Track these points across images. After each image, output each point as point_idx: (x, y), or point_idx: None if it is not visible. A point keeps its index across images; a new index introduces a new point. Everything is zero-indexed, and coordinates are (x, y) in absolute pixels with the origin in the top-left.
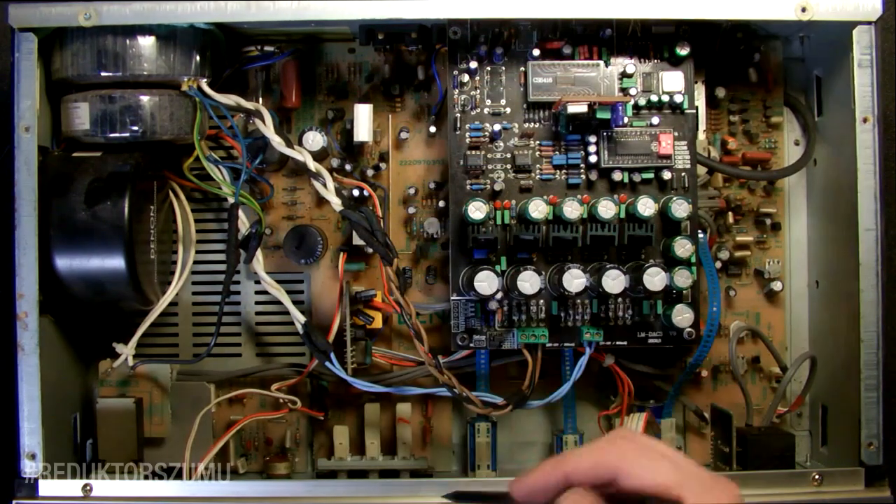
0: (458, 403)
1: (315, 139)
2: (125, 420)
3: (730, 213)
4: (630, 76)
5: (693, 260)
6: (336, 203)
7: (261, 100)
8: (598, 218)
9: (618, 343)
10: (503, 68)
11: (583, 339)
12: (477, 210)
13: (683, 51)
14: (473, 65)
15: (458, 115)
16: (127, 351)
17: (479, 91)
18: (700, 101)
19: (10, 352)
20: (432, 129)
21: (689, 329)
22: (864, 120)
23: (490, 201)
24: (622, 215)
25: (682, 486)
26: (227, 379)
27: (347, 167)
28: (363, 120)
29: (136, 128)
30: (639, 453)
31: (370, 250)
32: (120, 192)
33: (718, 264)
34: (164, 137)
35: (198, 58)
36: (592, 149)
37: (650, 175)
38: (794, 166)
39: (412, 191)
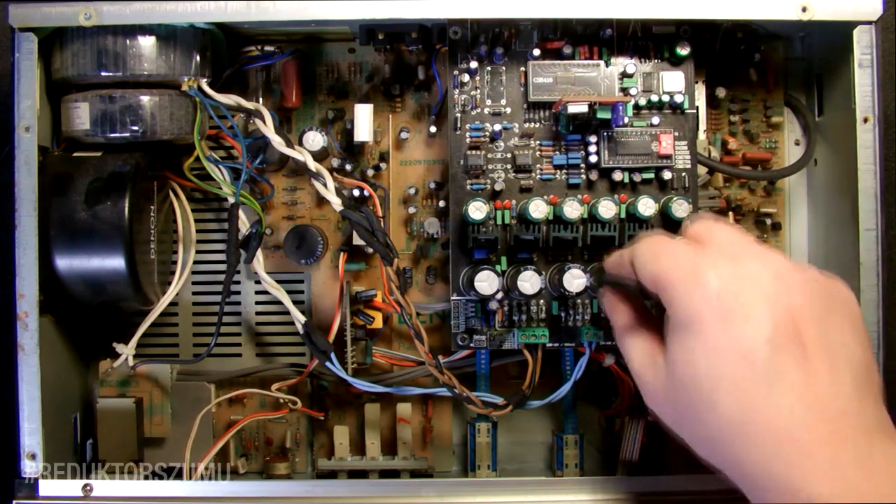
0: (459, 403)
1: (315, 139)
2: (125, 420)
3: (730, 213)
4: (630, 76)
5: None
6: (336, 203)
7: (261, 100)
8: (599, 218)
9: None
10: (503, 68)
11: (583, 339)
12: (477, 210)
13: (684, 51)
14: (474, 65)
15: (459, 115)
16: (127, 351)
17: (479, 91)
18: (700, 101)
19: (10, 352)
20: (432, 129)
21: None
22: (865, 120)
23: (490, 201)
24: (622, 215)
25: (671, 281)
26: (227, 379)
27: (347, 167)
28: (363, 120)
29: (136, 128)
30: (650, 242)
31: (370, 250)
32: (120, 192)
33: None
34: (164, 137)
35: (198, 58)
36: (593, 149)
37: (650, 175)
38: (795, 166)
39: (412, 191)
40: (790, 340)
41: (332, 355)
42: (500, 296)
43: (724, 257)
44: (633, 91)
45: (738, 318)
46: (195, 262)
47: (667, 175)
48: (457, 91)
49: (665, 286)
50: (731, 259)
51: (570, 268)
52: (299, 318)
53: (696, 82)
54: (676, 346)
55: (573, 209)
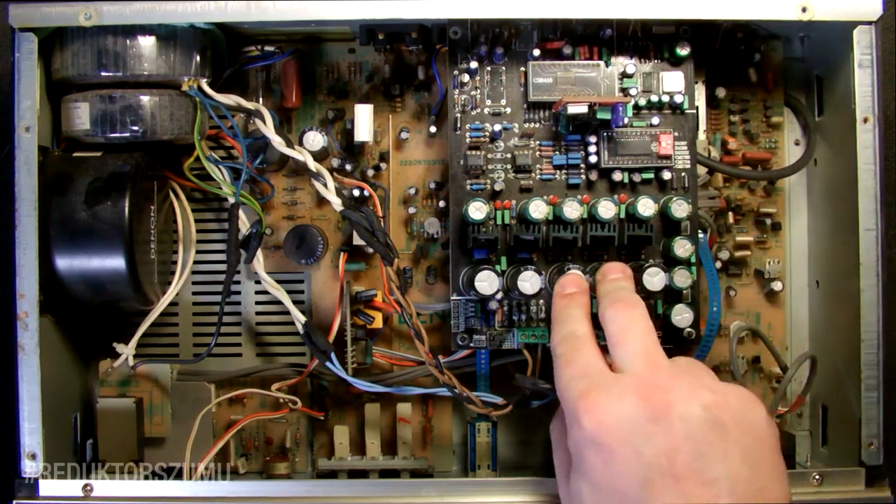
0: (459, 403)
1: (315, 139)
2: (125, 420)
3: (730, 213)
4: (630, 76)
5: (693, 260)
6: (336, 203)
7: (261, 100)
8: (598, 218)
9: None
10: (503, 68)
11: None
12: (477, 210)
13: (684, 51)
14: (474, 65)
15: (459, 115)
16: (127, 351)
17: (479, 91)
18: (700, 101)
19: (10, 352)
20: (432, 129)
21: (688, 329)
22: (865, 120)
23: (490, 201)
24: (622, 215)
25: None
26: (227, 379)
27: (348, 167)
28: (363, 120)
29: (136, 128)
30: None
31: (370, 250)
32: (120, 192)
33: (718, 264)
34: (164, 137)
35: (198, 58)
36: (592, 149)
37: (650, 175)
38: (794, 166)
39: (412, 191)
40: (663, 480)
41: (332, 355)
42: (500, 296)
43: (612, 393)
44: (632, 91)
45: (615, 461)
46: (195, 262)
47: (666, 175)
48: (457, 91)
49: (563, 406)
50: (617, 396)
51: (569, 268)
52: (299, 318)
53: (696, 82)
54: (572, 482)
55: (573, 209)
